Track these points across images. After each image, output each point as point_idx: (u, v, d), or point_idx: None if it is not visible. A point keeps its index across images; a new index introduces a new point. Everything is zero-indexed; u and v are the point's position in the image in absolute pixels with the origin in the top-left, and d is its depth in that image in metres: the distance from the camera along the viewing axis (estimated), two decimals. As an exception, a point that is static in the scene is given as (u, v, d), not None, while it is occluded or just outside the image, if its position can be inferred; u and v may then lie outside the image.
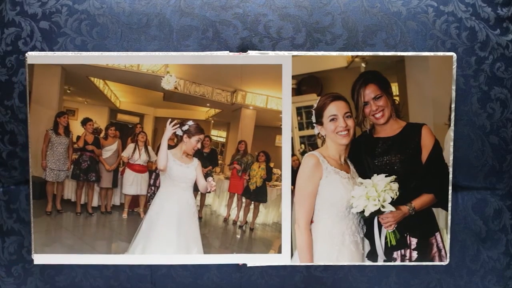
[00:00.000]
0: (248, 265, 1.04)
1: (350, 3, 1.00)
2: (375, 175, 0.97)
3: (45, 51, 1.00)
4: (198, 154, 1.05)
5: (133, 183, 1.07)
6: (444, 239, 1.01)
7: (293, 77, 0.98)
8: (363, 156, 1.00)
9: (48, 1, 1.00)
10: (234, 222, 1.07)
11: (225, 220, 1.07)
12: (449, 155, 0.99)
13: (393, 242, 0.99)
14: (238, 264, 1.07)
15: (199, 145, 1.04)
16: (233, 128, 1.09)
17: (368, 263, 1.01)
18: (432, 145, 0.98)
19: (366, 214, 0.96)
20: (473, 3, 1.00)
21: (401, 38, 1.00)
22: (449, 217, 1.01)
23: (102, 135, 1.05)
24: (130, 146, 1.06)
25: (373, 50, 1.00)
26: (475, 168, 1.05)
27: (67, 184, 1.05)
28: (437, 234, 1.01)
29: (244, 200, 1.08)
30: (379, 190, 0.96)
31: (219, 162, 1.08)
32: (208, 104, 1.06)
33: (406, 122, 1.00)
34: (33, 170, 1.02)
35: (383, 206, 0.95)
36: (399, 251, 1.00)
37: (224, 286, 1.10)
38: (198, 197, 1.06)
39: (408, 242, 1.00)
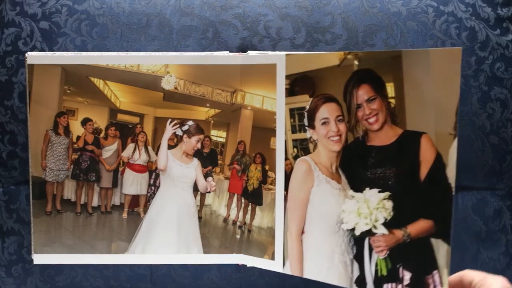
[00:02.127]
0: (248, 265, 1.04)
1: (350, 3, 1.00)
2: (367, 189, 0.86)
3: (45, 51, 1.00)
4: (198, 154, 1.05)
5: (133, 183, 1.07)
6: (444, 281, 0.79)
7: (287, 77, 0.93)
8: (355, 166, 0.90)
9: (48, 1, 1.00)
10: (234, 222, 1.07)
11: (225, 220, 1.07)
12: (453, 173, 0.75)
13: (384, 272, 0.86)
14: (238, 264, 1.07)
15: (199, 145, 1.04)
16: (232, 128, 1.09)
17: None
18: (433, 159, 0.80)
19: (357, 233, 0.86)
20: (473, 3, 1.00)
21: (401, 38, 1.00)
22: (450, 253, 0.80)
23: (102, 135, 1.05)
24: (130, 146, 1.06)
25: (373, 50, 1.00)
26: (475, 168, 1.05)
27: (67, 184, 1.05)
28: (435, 273, 0.81)
29: (243, 200, 1.08)
30: (371, 207, 0.85)
31: (219, 162, 1.08)
32: (208, 104, 1.06)
33: (403, 130, 0.84)
34: (33, 170, 1.02)
35: (375, 227, 0.85)
36: (389, 284, 0.86)
37: (224, 286, 1.10)
38: (198, 197, 1.06)
39: (401, 275, 0.85)
